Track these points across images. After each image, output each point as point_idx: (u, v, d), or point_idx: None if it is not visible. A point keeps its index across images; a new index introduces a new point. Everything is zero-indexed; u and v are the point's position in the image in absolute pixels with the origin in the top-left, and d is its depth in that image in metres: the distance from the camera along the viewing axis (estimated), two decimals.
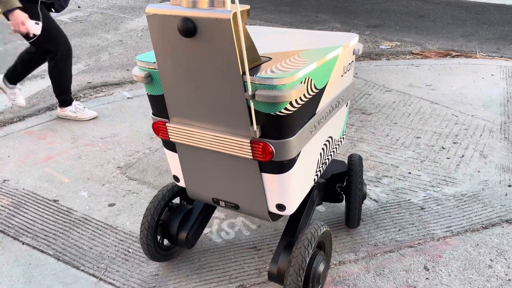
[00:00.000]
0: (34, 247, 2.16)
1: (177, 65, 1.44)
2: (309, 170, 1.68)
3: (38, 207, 2.47)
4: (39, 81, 4.49)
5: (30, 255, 2.12)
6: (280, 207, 1.60)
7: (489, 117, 3.44)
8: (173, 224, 1.91)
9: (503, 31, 6.16)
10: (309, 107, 1.53)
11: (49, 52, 3.21)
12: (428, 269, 1.98)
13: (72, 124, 3.45)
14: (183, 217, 1.92)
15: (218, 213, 2.37)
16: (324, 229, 1.69)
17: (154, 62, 1.52)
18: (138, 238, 2.20)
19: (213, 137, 1.52)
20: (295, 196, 1.60)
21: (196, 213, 1.95)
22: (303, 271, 1.55)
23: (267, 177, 1.54)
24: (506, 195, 2.50)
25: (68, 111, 3.48)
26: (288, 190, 1.56)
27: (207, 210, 2.00)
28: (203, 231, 2.18)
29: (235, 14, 1.26)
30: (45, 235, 2.24)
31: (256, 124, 1.41)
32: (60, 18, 6.87)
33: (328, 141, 1.82)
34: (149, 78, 1.55)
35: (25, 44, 3.73)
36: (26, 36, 3.00)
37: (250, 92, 1.34)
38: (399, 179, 2.66)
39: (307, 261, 1.57)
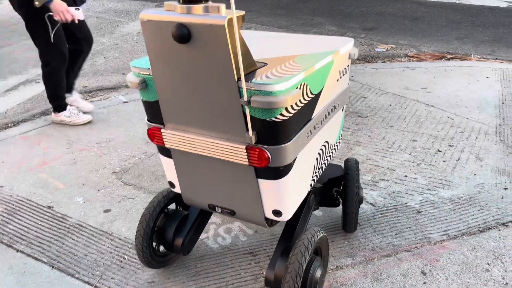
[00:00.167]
0: (28, 255, 2.14)
1: (172, 71, 1.43)
2: (305, 175, 1.67)
3: (32, 213, 2.45)
4: (34, 86, 4.47)
5: (24, 262, 2.10)
6: (277, 213, 1.59)
7: (484, 120, 3.45)
8: (169, 231, 1.89)
9: (498, 34, 6.19)
10: (305, 112, 1.53)
11: (44, 60, 3.23)
12: (426, 274, 1.97)
13: (67, 129, 3.43)
14: (179, 223, 1.91)
15: (214, 219, 2.36)
16: (321, 234, 1.69)
17: (149, 68, 1.51)
18: (133, 245, 2.19)
19: (209, 143, 1.51)
20: (291, 202, 1.59)
21: (192, 219, 1.94)
22: (300, 277, 1.54)
23: (263, 183, 1.53)
24: (502, 198, 2.50)
25: (62, 116, 3.47)
26: (285, 196, 1.55)
27: (203, 216, 1.99)
28: (199, 237, 2.16)
29: (230, 20, 1.25)
30: (40, 242, 2.22)
31: (252, 130, 1.40)
32: None
33: (324, 146, 1.81)
34: (144, 84, 1.54)
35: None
36: (71, 23, 3.09)
37: (245, 98, 1.33)
38: (396, 183, 2.66)
39: (304, 267, 1.56)
